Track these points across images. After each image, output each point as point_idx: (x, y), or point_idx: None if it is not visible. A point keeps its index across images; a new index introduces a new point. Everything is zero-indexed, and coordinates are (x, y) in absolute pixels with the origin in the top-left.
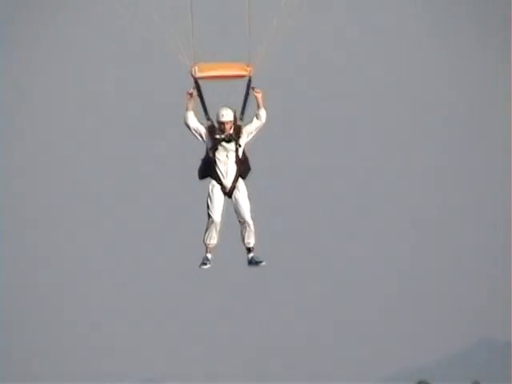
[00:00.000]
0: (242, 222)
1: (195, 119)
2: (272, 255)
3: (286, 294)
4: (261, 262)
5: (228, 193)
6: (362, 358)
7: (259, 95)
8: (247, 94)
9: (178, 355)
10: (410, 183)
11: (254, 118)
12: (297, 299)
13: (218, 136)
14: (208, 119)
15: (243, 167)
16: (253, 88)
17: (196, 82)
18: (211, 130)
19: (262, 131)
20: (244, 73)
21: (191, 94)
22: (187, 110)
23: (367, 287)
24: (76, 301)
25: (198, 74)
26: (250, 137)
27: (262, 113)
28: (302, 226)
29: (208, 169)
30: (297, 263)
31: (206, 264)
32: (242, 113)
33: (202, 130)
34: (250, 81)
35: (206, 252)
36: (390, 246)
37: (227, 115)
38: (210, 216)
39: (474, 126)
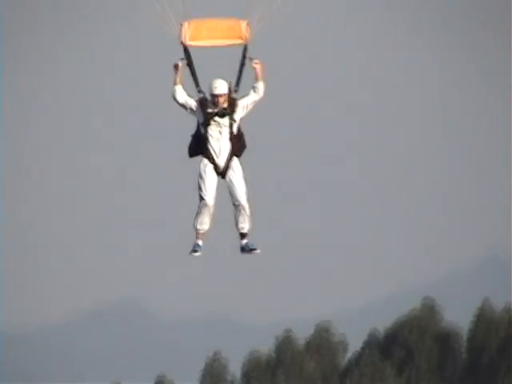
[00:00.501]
0: (237, 205)
1: (184, 93)
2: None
3: None
4: (255, 249)
5: (221, 173)
6: (367, 275)
7: (258, 66)
8: (243, 63)
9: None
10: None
11: (251, 91)
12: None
13: (210, 110)
14: (199, 91)
15: (238, 144)
16: (251, 58)
17: (186, 50)
18: (203, 104)
19: (258, 105)
20: (239, 41)
21: (177, 67)
22: (174, 83)
23: (375, 201)
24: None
25: (188, 42)
26: (246, 111)
27: (260, 86)
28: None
29: (199, 146)
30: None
31: (196, 251)
32: (237, 84)
33: (193, 104)
34: (245, 49)
35: (197, 238)
36: (395, 159)
37: (221, 87)
38: (202, 198)
39: None
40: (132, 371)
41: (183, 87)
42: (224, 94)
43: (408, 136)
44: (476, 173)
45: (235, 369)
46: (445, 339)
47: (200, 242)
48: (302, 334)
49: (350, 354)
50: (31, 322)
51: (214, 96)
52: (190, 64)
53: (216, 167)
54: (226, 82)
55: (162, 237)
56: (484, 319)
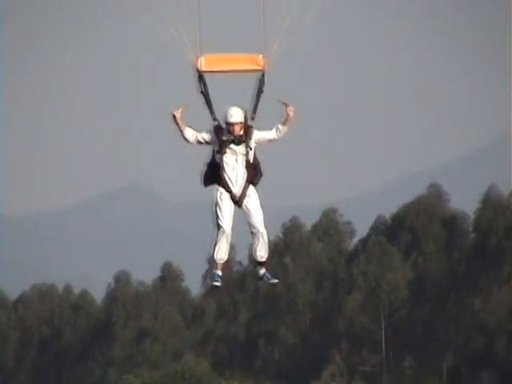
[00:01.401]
0: (255, 233)
1: (193, 132)
2: None
3: None
4: (273, 280)
5: (237, 201)
6: (373, 161)
7: (291, 114)
8: (260, 90)
9: None
10: None
11: (273, 130)
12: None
13: (225, 138)
14: (214, 119)
15: (254, 172)
16: (286, 104)
17: (201, 77)
18: (218, 131)
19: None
20: (256, 67)
21: (174, 118)
22: (181, 131)
23: (381, 85)
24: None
25: (204, 68)
26: (258, 143)
27: (284, 130)
28: None
29: (214, 174)
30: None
31: (217, 281)
32: (254, 111)
33: (206, 137)
34: (263, 76)
35: (216, 269)
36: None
37: (236, 116)
38: (219, 226)
39: None
40: (137, 260)
41: (189, 127)
42: (240, 122)
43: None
44: (478, 58)
45: (243, 253)
46: (452, 223)
47: (219, 273)
48: (309, 219)
49: (356, 239)
50: (32, 208)
51: (230, 124)
52: (205, 92)
53: (232, 196)
54: (242, 109)
55: (164, 122)
56: (490, 203)
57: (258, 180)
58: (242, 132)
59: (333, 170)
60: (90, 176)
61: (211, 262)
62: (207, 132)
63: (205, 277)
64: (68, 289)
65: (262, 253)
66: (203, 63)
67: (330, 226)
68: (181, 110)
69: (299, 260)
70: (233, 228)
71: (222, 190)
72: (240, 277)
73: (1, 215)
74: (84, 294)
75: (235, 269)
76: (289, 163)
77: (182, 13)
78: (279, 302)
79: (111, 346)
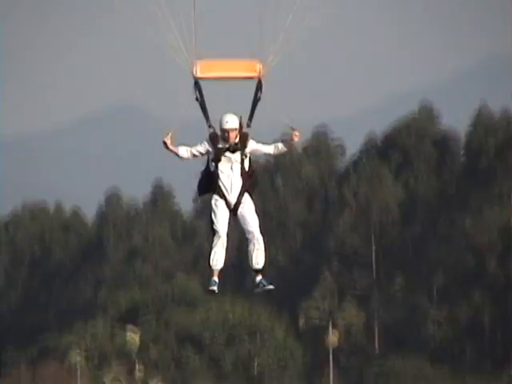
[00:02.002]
0: (251, 239)
1: (188, 149)
2: None
3: None
4: (269, 286)
5: (233, 210)
6: (364, 79)
7: (296, 140)
8: (256, 97)
9: None
10: None
11: (272, 146)
12: None
13: (221, 145)
14: (210, 126)
15: (250, 181)
16: (293, 129)
17: (196, 83)
18: (213, 138)
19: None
20: (253, 74)
21: (166, 143)
22: (176, 154)
23: (373, 4)
24: None
25: (200, 74)
26: (252, 153)
27: (283, 150)
28: None
29: (210, 183)
30: None
31: (214, 286)
32: (250, 119)
33: (202, 148)
34: (260, 82)
35: (213, 275)
36: None
37: (232, 122)
38: (214, 232)
39: None
40: (130, 177)
41: (182, 146)
42: (235, 129)
43: None
44: None
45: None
46: (443, 143)
47: (216, 279)
48: (299, 140)
49: (347, 159)
50: (23, 128)
51: (225, 131)
52: (200, 99)
53: (227, 203)
54: (237, 116)
55: (152, 34)
56: (481, 123)
57: (254, 189)
58: (237, 140)
59: (323, 90)
60: (80, 95)
61: (208, 268)
62: (201, 143)
63: (195, 199)
64: (59, 208)
65: (257, 260)
66: (199, 69)
67: (320, 146)
68: (170, 135)
69: (290, 181)
70: (228, 235)
71: (217, 197)
72: None
73: None
74: (75, 214)
75: None
76: (279, 83)
77: (177, 19)
78: (270, 222)
79: (102, 266)
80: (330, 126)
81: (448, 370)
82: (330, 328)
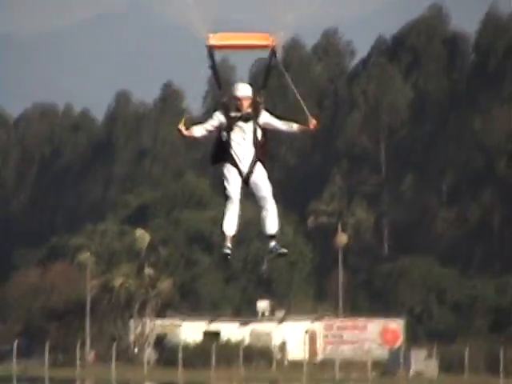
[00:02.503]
0: (264, 205)
1: (200, 127)
2: None
3: None
4: (281, 250)
5: (245, 179)
6: None
7: (312, 127)
8: (269, 66)
9: None
10: None
11: (285, 123)
12: None
13: (233, 114)
14: (222, 95)
15: (262, 150)
16: (310, 117)
17: (210, 52)
18: (226, 107)
19: None
20: (266, 42)
21: (180, 131)
22: (191, 137)
23: None
24: None
25: (214, 42)
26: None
27: (295, 131)
28: None
29: (222, 152)
30: None
31: (227, 250)
32: (264, 87)
33: (214, 122)
34: (273, 51)
35: (225, 240)
36: None
37: (244, 90)
38: (227, 197)
39: None
40: (138, 80)
41: (193, 126)
42: (248, 97)
43: None
44: None
45: (243, 73)
46: (452, 42)
47: (229, 245)
48: (309, 40)
49: (357, 60)
50: (33, 27)
51: (237, 99)
52: (213, 66)
53: (239, 172)
54: (250, 85)
55: None
56: (491, 22)
57: (266, 157)
58: (250, 109)
59: None
60: None
61: (221, 233)
62: (213, 116)
63: (205, 97)
64: (69, 108)
65: (271, 225)
66: (213, 38)
67: (330, 46)
68: (184, 121)
69: (299, 80)
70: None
71: (229, 165)
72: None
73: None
74: (85, 114)
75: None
76: None
77: None
78: None
79: (111, 167)
80: (339, 26)
81: (457, 270)
82: (339, 228)
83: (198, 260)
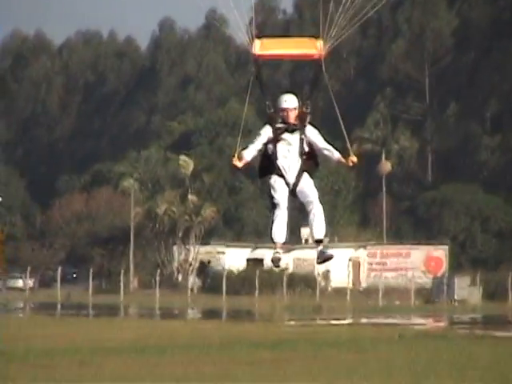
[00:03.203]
0: (311, 210)
1: (252, 148)
2: None
3: None
4: (328, 254)
5: (291, 190)
6: None
7: (351, 164)
8: (317, 77)
9: None
10: None
11: (329, 148)
12: None
13: (279, 125)
14: (268, 106)
15: (309, 162)
16: (352, 153)
17: (256, 61)
18: (272, 119)
19: None
20: (314, 51)
21: (236, 166)
22: (246, 163)
23: None
24: None
25: (259, 51)
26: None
27: (334, 158)
28: None
29: (268, 164)
30: None
31: (280, 255)
32: (309, 98)
33: (264, 136)
34: (320, 61)
35: (276, 248)
36: None
37: (291, 101)
38: (275, 205)
39: None
40: (182, 6)
41: (244, 151)
42: (294, 108)
43: None
44: None
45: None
46: None
47: (280, 251)
48: None
49: None
50: None
51: (283, 110)
52: (259, 76)
53: (286, 182)
54: (297, 96)
55: None
56: None
57: (314, 171)
58: (296, 120)
59: None
60: None
61: (271, 240)
62: (260, 132)
63: (249, 24)
64: (112, 35)
65: (318, 230)
66: (258, 46)
67: None
68: (236, 156)
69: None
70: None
71: (275, 176)
72: (284, 25)
73: None
74: (129, 41)
75: (279, 17)
76: None
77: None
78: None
79: (155, 93)
80: None
81: (500, 197)
82: (383, 155)
83: (242, 187)
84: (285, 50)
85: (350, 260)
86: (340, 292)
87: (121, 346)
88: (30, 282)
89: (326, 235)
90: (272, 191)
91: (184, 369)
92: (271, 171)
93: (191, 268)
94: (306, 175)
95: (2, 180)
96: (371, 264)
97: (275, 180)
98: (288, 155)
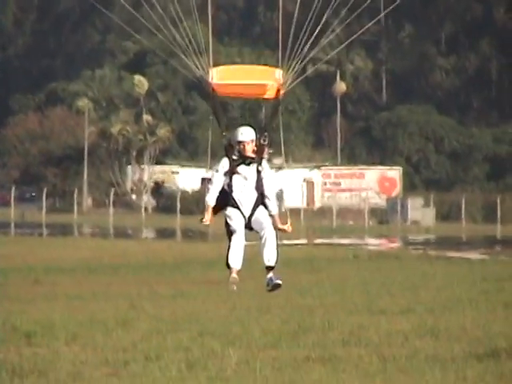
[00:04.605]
0: (262, 236)
1: (216, 189)
2: None
3: None
4: (277, 281)
5: (247, 223)
6: None
7: (281, 229)
8: (275, 111)
9: None
10: None
11: (271, 197)
12: None
13: (235, 157)
14: (224, 137)
15: (262, 195)
16: (285, 224)
17: (213, 91)
18: (228, 150)
19: None
20: (272, 82)
21: (207, 223)
22: (213, 215)
23: None
24: None
25: (216, 80)
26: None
27: (270, 212)
28: None
29: (224, 197)
30: None
31: (234, 284)
32: (266, 130)
33: (226, 168)
34: (278, 92)
35: (232, 273)
36: None
37: (247, 133)
38: (232, 232)
39: None
40: None
41: (208, 195)
42: (251, 141)
43: None
44: None
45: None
46: None
47: (236, 277)
48: None
49: None
50: None
51: (240, 143)
52: (214, 105)
53: (242, 214)
54: (254, 129)
55: None
56: None
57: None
58: (253, 153)
59: None
60: None
61: (226, 267)
62: (220, 167)
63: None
64: None
65: (269, 257)
66: (215, 75)
67: None
68: (203, 217)
69: None
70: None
71: (231, 208)
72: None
73: None
74: None
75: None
76: None
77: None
78: None
79: (111, 12)
80: None
81: (454, 119)
82: (338, 76)
83: (197, 107)
84: (243, 79)
85: (304, 181)
86: (294, 212)
87: (74, 265)
88: None
89: (276, 262)
90: (228, 220)
91: (138, 288)
92: (226, 203)
93: (145, 188)
94: (261, 207)
95: None
96: (325, 184)
97: (231, 211)
98: (243, 189)
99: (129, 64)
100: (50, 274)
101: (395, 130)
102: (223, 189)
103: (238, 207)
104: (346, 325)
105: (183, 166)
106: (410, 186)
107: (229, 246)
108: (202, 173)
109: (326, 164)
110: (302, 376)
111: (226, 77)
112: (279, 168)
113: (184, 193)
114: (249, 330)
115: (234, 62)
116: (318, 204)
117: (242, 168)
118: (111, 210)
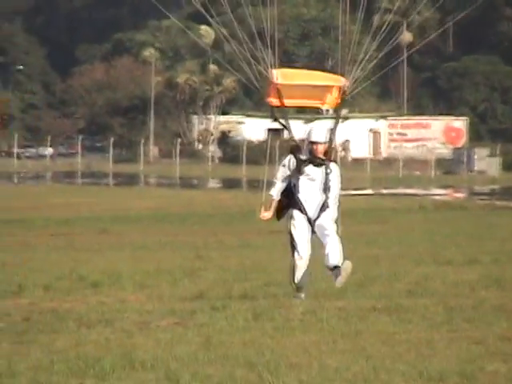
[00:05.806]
0: (327, 242)
1: (279, 187)
2: None
3: None
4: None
5: (312, 226)
6: None
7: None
8: (338, 116)
9: None
10: None
11: (332, 202)
12: None
13: (303, 157)
14: (292, 139)
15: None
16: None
17: (278, 92)
18: (295, 150)
19: None
20: (338, 83)
21: (267, 218)
22: (274, 211)
23: None
24: None
25: (280, 81)
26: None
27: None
28: None
29: (289, 198)
30: None
31: (304, 295)
32: (331, 138)
33: (288, 171)
34: (344, 94)
35: (297, 291)
36: None
37: (322, 134)
38: (295, 248)
39: None
40: None
41: (272, 192)
42: (324, 143)
43: None
44: None
45: None
46: None
47: (302, 295)
48: None
49: None
50: None
51: (314, 143)
52: (282, 107)
53: (308, 218)
54: (327, 131)
55: None
56: None
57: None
58: (323, 155)
59: None
60: None
61: (292, 282)
62: (283, 166)
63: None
64: None
65: (334, 257)
66: (279, 76)
67: None
68: (263, 207)
69: None
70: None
71: (296, 211)
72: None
73: None
74: None
75: None
76: None
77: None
78: None
79: None
80: None
81: None
82: (404, 26)
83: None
84: (307, 81)
85: (370, 131)
86: (360, 162)
87: (141, 215)
88: (51, 151)
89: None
90: (292, 228)
91: (204, 238)
92: (292, 205)
93: (211, 138)
94: (327, 212)
95: (22, 49)
96: (391, 135)
97: (296, 215)
98: (310, 190)
99: (195, 13)
100: (116, 223)
101: (461, 81)
102: (288, 188)
103: (303, 209)
104: (411, 275)
105: (249, 116)
106: (475, 136)
107: (293, 266)
108: (268, 123)
109: (392, 114)
110: (368, 326)
111: (289, 78)
112: (345, 118)
113: (250, 143)
114: (315, 279)
115: (300, 8)
116: (384, 154)
117: (309, 168)
118: (177, 160)
